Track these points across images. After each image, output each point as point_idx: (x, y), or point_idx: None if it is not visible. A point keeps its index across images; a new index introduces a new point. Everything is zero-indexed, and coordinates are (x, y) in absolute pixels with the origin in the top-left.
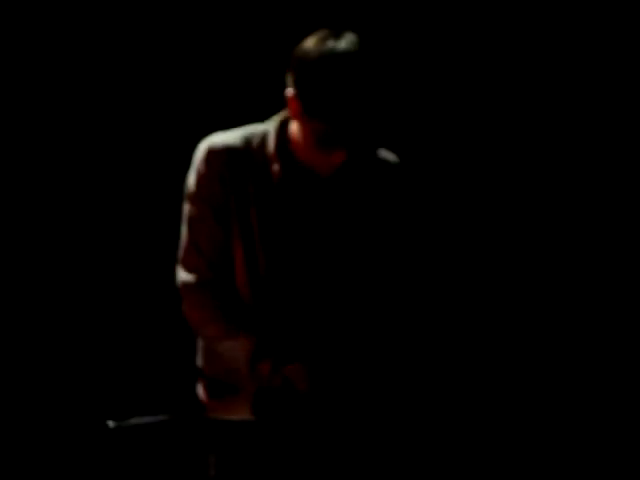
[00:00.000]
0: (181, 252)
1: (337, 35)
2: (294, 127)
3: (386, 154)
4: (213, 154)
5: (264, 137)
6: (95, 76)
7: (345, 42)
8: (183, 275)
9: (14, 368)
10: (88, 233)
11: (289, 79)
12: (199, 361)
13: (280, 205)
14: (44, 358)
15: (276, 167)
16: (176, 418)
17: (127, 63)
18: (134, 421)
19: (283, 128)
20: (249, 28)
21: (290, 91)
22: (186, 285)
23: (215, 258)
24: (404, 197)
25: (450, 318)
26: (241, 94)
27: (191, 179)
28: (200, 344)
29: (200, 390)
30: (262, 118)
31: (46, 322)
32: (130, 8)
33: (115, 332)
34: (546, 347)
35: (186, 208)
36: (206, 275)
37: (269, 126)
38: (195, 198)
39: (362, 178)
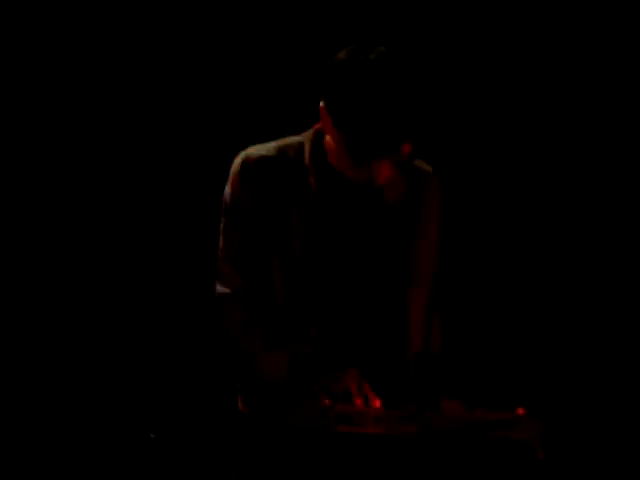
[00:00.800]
0: (218, 266)
1: (367, 50)
2: (328, 138)
3: (421, 164)
4: (249, 167)
5: (300, 149)
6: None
7: (375, 56)
8: (220, 289)
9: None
10: (128, 250)
11: (322, 91)
12: (238, 374)
13: (318, 217)
14: (82, 372)
15: (312, 179)
16: (217, 429)
17: (159, 82)
18: (176, 432)
19: (318, 139)
20: (284, 41)
21: (322, 104)
22: (224, 299)
23: (252, 271)
24: (439, 207)
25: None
26: (276, 106)
27: (227, 192)
28: (239, 357)
29: (240, 403)
30: (297, 130)
31: (84, 334)
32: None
33: (159, 346)
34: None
35: (223, 221)
36: (243, 288)
37: (304, 138)
38: (232, 211)
39: (398, 188)
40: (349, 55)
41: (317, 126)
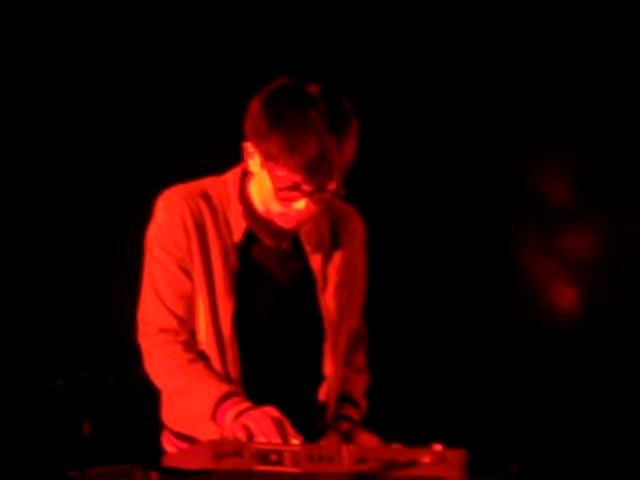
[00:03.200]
0: (142, 306)
1: (295, 84)
2: (253, 182)
3: (344, 205)
4: (175, 205)
5: (224, 190)
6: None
7: (306, 87)
8: (146, 329)
9: None
10: None
11: (247, 129)
12: (163, 413)
13: (245, 260)
14: None
15: (241, 222)
16: (137, 467)
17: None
18: (95, 471)
19: (243, 183)
20: (199, 79)
21: (249, 142)
22: (149, 339)
23: (179, 310)
24: (363, 245)
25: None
26: (193, 147)
27: (152, 231)
28: (163, 396)
29: (164, 441)
30: (213, 172)
31: None
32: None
33: (75, 382)
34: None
35: (148, 260)
36: (170, 327)
37: (228, 179)
38: (158, 249)
39: (324, 229)
40: (277, 89)
41: (238, 169)
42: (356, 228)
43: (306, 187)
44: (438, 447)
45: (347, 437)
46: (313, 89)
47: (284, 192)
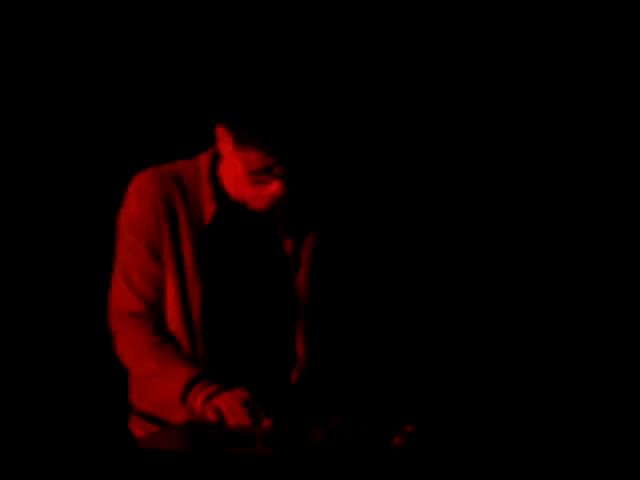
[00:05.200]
0: (113, 290)
1: (265, 62)
2: (224, 165)
3: (315, 187)
4: (146, 189)
5: (195, 173)
6: None
7: (276, 66)
8: (116, 313)
9: None
10: None
11: (219, 113)
12: (132, 396)
13: (215, 243)
14: None
15: (211, 205)
16: (106, 452)
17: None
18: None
19: (214, 166)
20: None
21: (220, 125)
22: (119, 323)
23: (149, 294)
24: (337, 230)
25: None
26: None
27: (123, 215)
28: (132, 379)
29: (133, 424)
30: (185, 156)
31: None
32: None
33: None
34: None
35: (118, 243)
36: (139, 311)
37: (199, 162)
38: (128, 233)
39: (296, 212)
40: (250, 69)
41: (209, 152)
42: (328, 210)
43: (278, 169)
44: (410, 428)
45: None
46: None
47: (256, 174)
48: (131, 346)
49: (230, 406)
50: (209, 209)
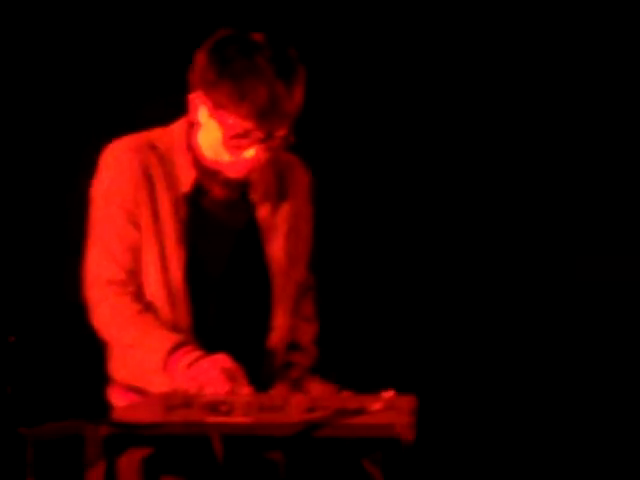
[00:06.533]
0: (89, 259)
1: (240, 33)
2: (201, 133)
3: (290, 156)
4: (123, 156)
5: (170, 142)
6: None
7: (251, 35)
8: (93, 281)
9: None
10: None
11: (194, 80)
12: (110, 366)
13: (195, 210)
14: None
15: (191, 172)
16: (88, 421)
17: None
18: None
19: (189, 135)
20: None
21: (197, 93)
22: (97, 291)
23: (127, 262)
24: (310, 195)
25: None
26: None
27: (99, 183)
28: (111, 349)
29: (111, 395)
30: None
31: None
32: None
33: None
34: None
35: (93, 212)
36: (119, 279)
37: (174, 131)
38: (106, 202)
39: (271, 180)
40: (227, 37)
41: (182, 121)
42: (302, 178)
43: (257, 134)
44: (389, 394)
45: (297, 386)
46: (258, 37)
47: (234, 140)
48: (112, 314)
49: (209, 374)
50: (188, 177)
